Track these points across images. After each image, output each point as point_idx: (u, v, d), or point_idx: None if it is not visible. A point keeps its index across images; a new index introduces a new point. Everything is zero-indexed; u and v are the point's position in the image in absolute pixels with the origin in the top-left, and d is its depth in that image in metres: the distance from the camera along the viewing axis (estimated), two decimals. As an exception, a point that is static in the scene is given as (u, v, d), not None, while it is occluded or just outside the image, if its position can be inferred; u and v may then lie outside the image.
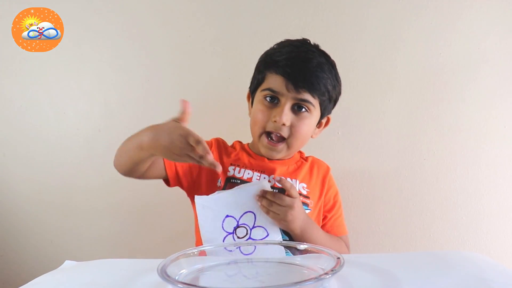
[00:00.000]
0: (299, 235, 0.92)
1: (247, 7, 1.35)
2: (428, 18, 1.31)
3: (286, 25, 1.34)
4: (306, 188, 1.04)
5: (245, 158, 1.05)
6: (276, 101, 0.96)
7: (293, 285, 0.53)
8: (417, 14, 1.31)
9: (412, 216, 1.35)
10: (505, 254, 1.32)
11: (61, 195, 1.44)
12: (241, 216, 0.85)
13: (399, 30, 1.32)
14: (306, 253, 0.73)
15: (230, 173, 1.00)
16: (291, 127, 0.96)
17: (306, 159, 1.12)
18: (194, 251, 0.70)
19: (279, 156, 1.01)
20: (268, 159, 1.03)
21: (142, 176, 0.93)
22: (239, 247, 0.76)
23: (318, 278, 0.55)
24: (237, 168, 1.01)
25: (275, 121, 0.94)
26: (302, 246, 0.73)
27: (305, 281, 0.54)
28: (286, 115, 0.94)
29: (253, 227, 0.85)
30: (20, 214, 1.46)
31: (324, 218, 1.09)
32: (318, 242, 0.93)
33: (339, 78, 1.04)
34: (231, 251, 0.76)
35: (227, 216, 0.85)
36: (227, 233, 0.85)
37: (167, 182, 1.01)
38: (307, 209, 1.01)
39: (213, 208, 0.85)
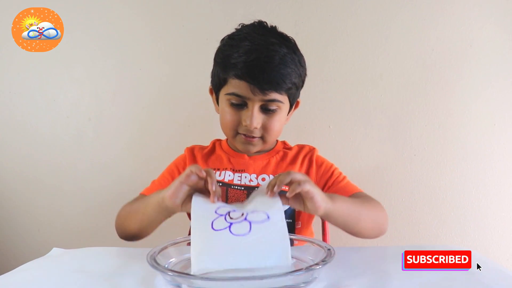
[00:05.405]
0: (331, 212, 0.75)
1: (241, -2, 1.35)
2: (421, 14, 1.31)
3: (279, 17, 1.33)
4: None
5: (224, 157, 1.02)
6: (242, 104, 0.91)
7: (284, 275, 0.53)
8: (410, 10, 1.32)
9: (401, 211, 1.35)
10: (491, 249, 1.34)
11: (49, 183, 1.42)
12: (237, 209, 0.73)
13: (391, 26, 1.32)
14: (297, 245, 0.74)
15: None
16: (263, 127, 0.93)
17: (290, 148, 1.08)
18: (183, 240, 0.70)
19: (256, 149, 0.97)
20: (248, 155, 1.01)
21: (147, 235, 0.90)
22: (230, 226, 0.65)
23: (309, 269, 0.55)
24: (217, 172, 0.98)
25: (245, 125, 0.91)
26: (291, 237, 0.72)
27: (296, 271, 0.54)
28: (256, 119, 0.90)
29: (251, 212, 0.70)
30: (8, 202, 1.44)
31: (326, 190, 0.99)
32: (352, 208, 0.81)
33: (302, 59, 0.94)
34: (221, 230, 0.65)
35: (223, 206, 0.73)
36: (219, 215, 0.69)
37: None
38: None
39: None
